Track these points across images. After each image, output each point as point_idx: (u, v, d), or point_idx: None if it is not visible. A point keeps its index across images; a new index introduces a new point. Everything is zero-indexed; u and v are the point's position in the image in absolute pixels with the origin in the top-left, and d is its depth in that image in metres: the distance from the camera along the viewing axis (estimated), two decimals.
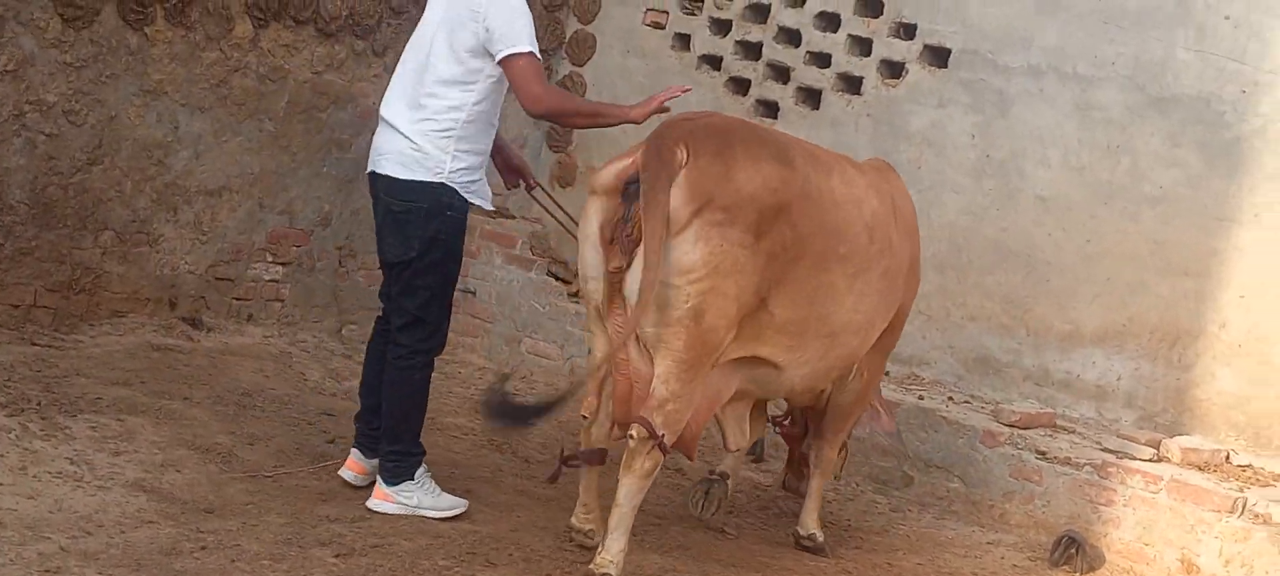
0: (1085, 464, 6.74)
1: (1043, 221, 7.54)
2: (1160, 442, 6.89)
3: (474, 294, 8.61)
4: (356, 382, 6.07)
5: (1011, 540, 6.73)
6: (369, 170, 5.54)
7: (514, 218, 8.88)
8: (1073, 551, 6.50)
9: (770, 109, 8.39)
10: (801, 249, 5.27)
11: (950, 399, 7.44)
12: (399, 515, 5.52)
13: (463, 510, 5.66)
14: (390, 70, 5.79)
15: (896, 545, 6.48)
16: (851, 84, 8.18)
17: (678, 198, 4.99)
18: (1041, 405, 7.33)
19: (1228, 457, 6.92)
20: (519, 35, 5.30)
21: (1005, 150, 7.65)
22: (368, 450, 5.75)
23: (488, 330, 8.58)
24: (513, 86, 5.38)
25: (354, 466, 5.79)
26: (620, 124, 5.58)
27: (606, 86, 8.76)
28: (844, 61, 8.19)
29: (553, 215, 6.37)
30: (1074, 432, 7.12)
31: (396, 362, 5.54)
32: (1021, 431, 6.99)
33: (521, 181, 6.04)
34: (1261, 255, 6.98)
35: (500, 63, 5.32)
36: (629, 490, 5.11)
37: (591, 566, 5.17)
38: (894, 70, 8.04)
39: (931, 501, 7.09)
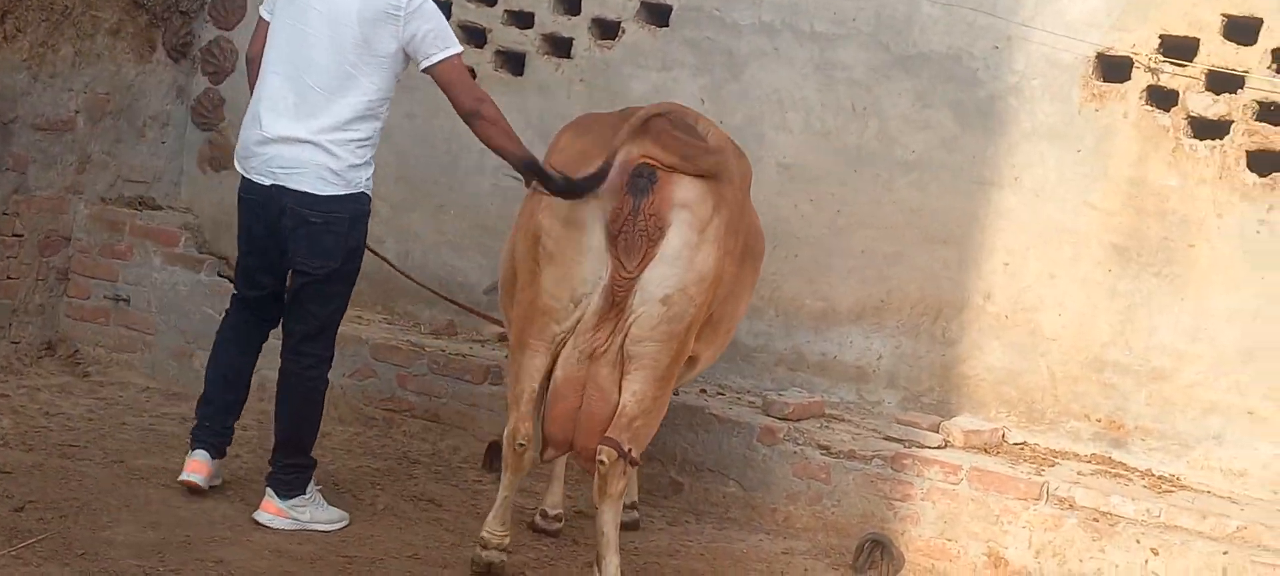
0: (873, 456, 6.20)
1: (787, 192, 6.95)
2: (937, 426, 6.43)
3: (127, 302, 7.29)
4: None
5: (804, 546, 6.14)
6: (266, 183, 5.28)
7: (162, 209, 7.60)
8: (877, 554, 5.97)
9: None
10: (742, 249, 5.23)
11: (706, 392, 6.75)
12: (288, 530, 5.36)
13: (346, 523, 5.53)
14: None
15: (696, 568, 5.74)
16: (560, 46, 7.35)
17: (695, 191, 4.84)
18: (805, 393, 6.74)
19: (1003, 436, 6.55)
20: (449, 35, 5.27)
21: (740, 116, 7.01)
22: (216, 449, 5.59)
23: (149, 343, 7.29)
24: (449, 88, 5.24)
25: (200, 468, 5.53)
26: (516, 163, 5.22)
27: None
28: (549, 21, 7.35)
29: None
30: (844, 421, 6.58)
31: (302, 373, 5.44)
32: (795, 424, 6.38)
33: None
34: (1024, 218, 6.63)
35: (436, 66, 5.21)
36: (610, 515, 4.93)
37: None
38: (608, 30, 7.27)
39: (706, 508, 6.41)
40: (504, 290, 5.54)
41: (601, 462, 4.88)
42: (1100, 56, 6.47)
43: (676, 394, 6.08)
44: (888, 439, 6.33)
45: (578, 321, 4.90)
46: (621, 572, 5.03)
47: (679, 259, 4.84)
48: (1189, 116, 6.30)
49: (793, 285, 6.95)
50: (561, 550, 5.72)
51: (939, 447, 6.27)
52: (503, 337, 7.18)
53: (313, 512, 5.45)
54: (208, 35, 7.79)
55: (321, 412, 5.56)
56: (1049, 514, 5.94)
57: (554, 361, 5.00)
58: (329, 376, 5.59)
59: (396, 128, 7.03)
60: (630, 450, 4.94)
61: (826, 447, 6.28)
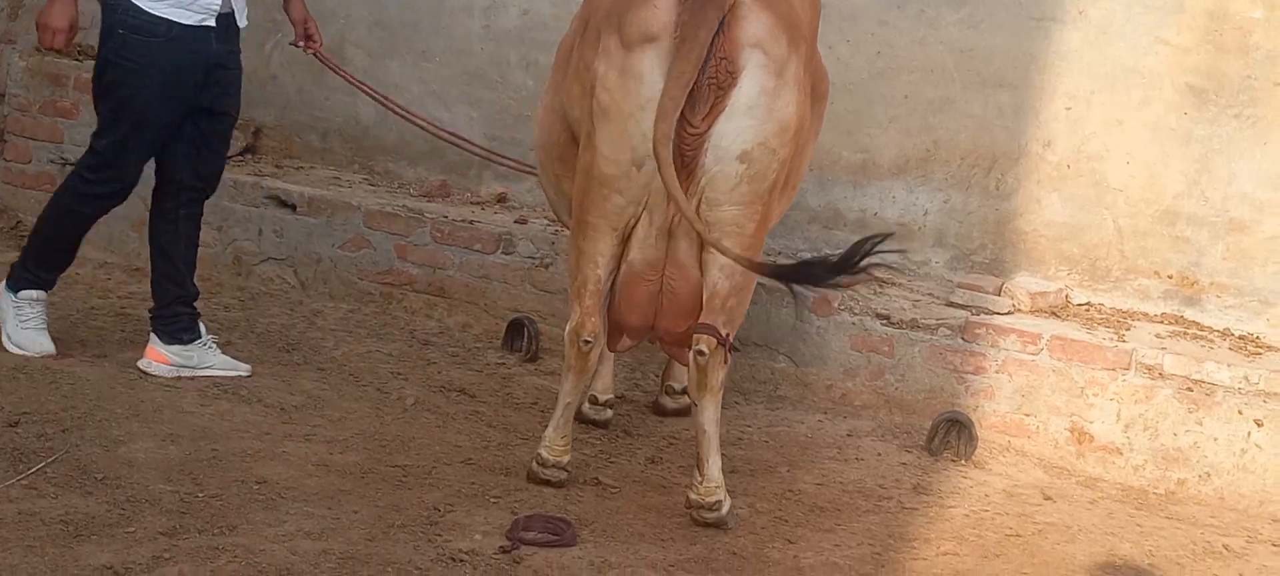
0: (939, 326, 5.64)
1: (821, 31, 6.24)
2: (1000, 288, 5.88)
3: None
4: None
5: (868, 426, 5.59)
6: (201, 24, 4.90)
7: None
8: (954, 435, 5.41)
9: None
10: (812, 91, 4.51)
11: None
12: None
13: (246, 373, 5.12)
14: None
15: (764, 457, 5.16)
16: None
17: (768, 26, 4.12)
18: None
19: (1068, 298, 6.02)
20: None
21: None
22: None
23: None
24: None
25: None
26: None
27: None
28: None
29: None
30: (896, 285, 6.00)
31: (194, 217, 5.16)
32: (851, 292, 5.78)
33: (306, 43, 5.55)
34: (1089, 58, 6.04)
35: None
36: (712, 411, 4.33)
37: (698, 497, 4.34)
38: None
39: (753, 387, 5.83)
40: (546, 157, 4.81)
41: (700, 353, 4.26)
42: None
43: None
44: (952, 305, 5.77)
45: (646, 190, 4.18)
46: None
47: (756, 108, 4.12)
48: None
49: (828, 136, 6.22)
50: (615, 444, 5.09)
51: (1008, 313, 5.72)
52: (501, 199, 6.49)
53: (201, 356, 5.06)
54: None
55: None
56: (1139, 385, 5.42)
57: (624, 242, 4.30)
58: None
59: None
60: (728, 335, 4.31)
61: (886, 317, 5.71)
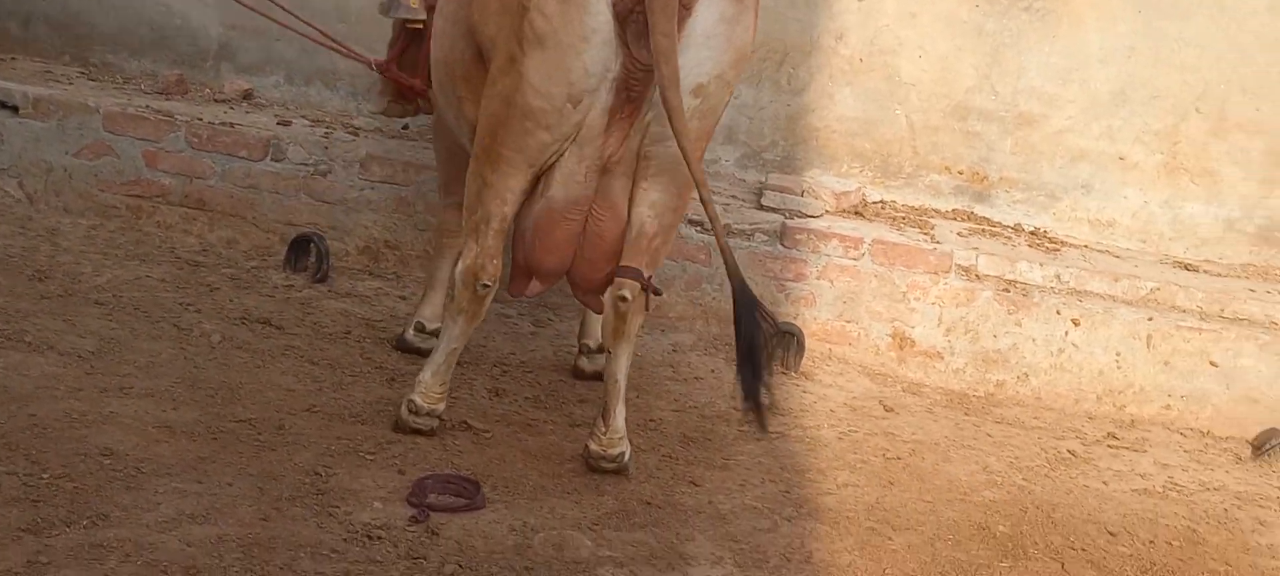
0: (755, 231, 5.39)
1: None
2: (802, 188, 5.68)
3: None
4: None
5: (690, 340, 5.30)
6: None
7: None
8: (785, 347, 5.19)
9: None
10: None
11: None
12: None
13: None
14: None
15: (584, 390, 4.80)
16: None
17: None
18: None
19: (864, 197, 5.89)
20: None
21: None
22: None
23: None
24: None
25: None
26: None
27: None
28: None
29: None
30: None
31: None
32: None
33: None
34: None
35: None
36: (624, 360, 3.98)
37: (600, 448, 3.96)
38: None
39: (551, 305, 5.42)
40: (445, 76, 4.17)
41: (622, 298, 3.88)
42: None
43: None
44: (764, 209, 5.52)
45: (578, 127, 3.72)
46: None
47: (713, 37, 3.68)
48: None
49: None
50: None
51: (820, 216, 5.52)
52: (248, 95, 5.82)
53: None
54: None
55: None
56: (960, 287, 5.33)
57: (536, 179, 3.82)
58: None
59: None
60: (650, 278, 3.92)
61: (697, 223, 5.40)
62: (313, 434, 3.92)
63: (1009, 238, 5.69)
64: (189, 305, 4.76)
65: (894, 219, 5.71)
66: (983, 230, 5.73)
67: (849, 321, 5.37)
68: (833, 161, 5.95)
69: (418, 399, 4.00)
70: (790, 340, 5.19)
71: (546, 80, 3.64)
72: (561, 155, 3.75)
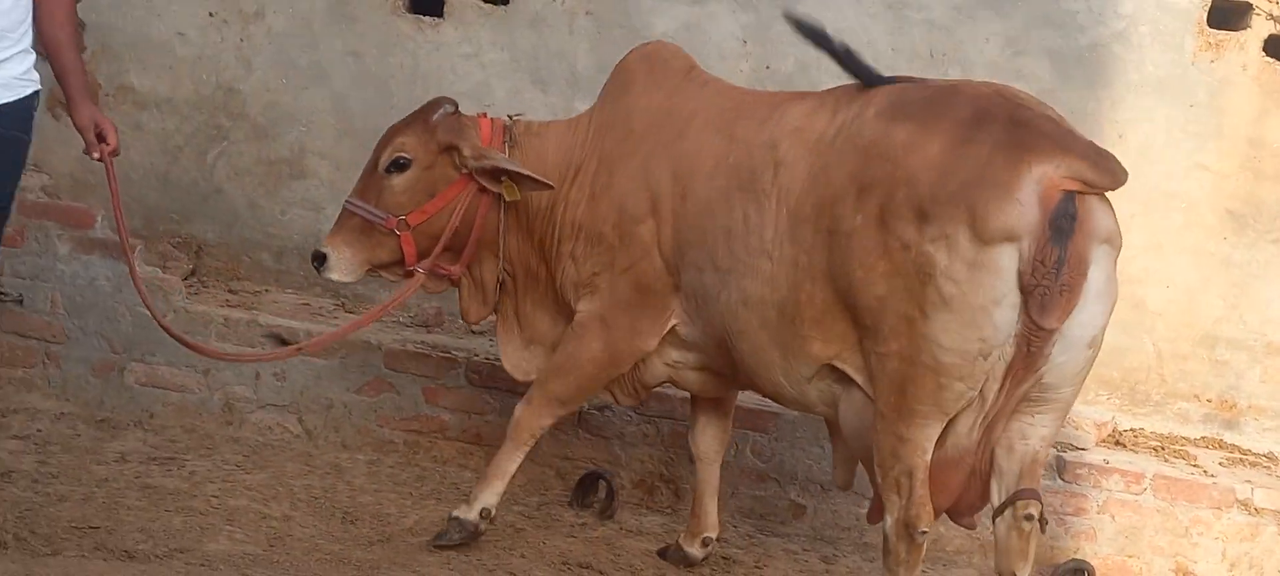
0: None
1: None
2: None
3: (20, 302, 5.40)
4: None
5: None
6: None
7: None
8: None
9: (433, 5, 5.99)
10: None
11: None
12: None
13: None
14: None
15: None
16: None
17: (1112, 215, 3.94)
18: None
19: (1116, 425, 5.91)
20: None
21: (791, 61, 5.92)
22: None
23: (57, 355, 5.43)
24: None
25: None
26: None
27: None
28: None
29: None
30: None
31: None
32: None
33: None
34: (1128, 182, 5.92)
35: None
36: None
37: None
38: None
39: (837, 534, 5.43)
40: (778, 318, 4.16)
41: (1028, 517, 4.01)
42: (1217, 1, 5.84)
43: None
44: None
45: (986, 375, 3.83)
46: None
47: (1104, 295, 3.90)
48: None
49: None
50: None
51: (1087, 449, 5.54)
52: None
53: None
54: None
55: None
56: (1243, 523, 5.33)
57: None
58: None
59: None
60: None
61: None
62: None
63: (1268, 467, 5.71)
64: (509, 549, 4.74)
65: (1154, 449, 5.72)
66: (1243, 460, 5.75)
67: (1130, 556, 5.36)
68: (1081, 389, 5.96)
69: None
70: (1082, 573, 5.18)
71: (958, 339, 3.77)
72: (969, 405, 3.84)
